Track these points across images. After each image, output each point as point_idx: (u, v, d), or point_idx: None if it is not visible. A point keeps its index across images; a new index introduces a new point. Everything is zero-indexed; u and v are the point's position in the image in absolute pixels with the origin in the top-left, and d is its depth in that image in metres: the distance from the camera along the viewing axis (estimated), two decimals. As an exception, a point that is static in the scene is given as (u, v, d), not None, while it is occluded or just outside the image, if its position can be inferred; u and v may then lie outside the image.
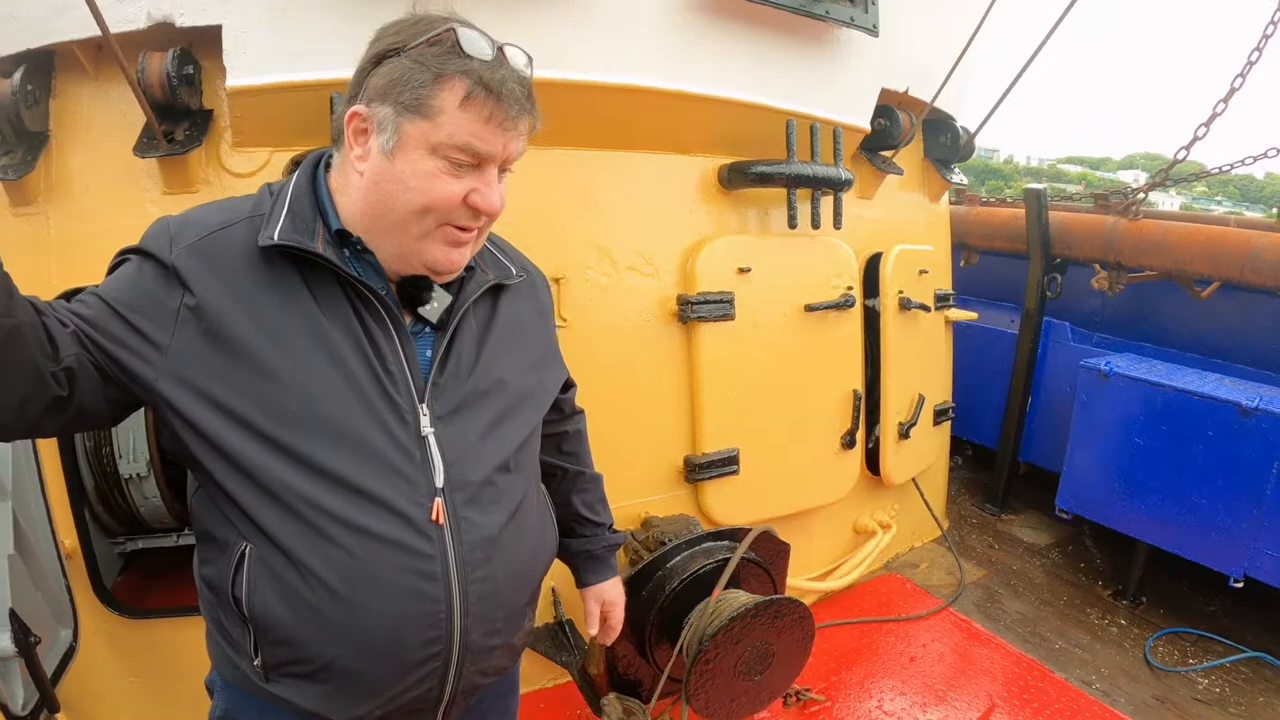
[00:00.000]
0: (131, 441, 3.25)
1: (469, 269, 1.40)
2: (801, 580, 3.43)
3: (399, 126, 1.21)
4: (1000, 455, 5.04)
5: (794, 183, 3.12)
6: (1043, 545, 4.60)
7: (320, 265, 1.26)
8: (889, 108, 3.63)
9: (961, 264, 5.60)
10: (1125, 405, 3.84)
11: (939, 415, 4.18)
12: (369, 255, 1.30)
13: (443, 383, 1.35)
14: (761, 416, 3.20)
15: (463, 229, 1.29)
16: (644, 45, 2.77)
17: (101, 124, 2.60)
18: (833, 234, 3.38)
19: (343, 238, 1.30)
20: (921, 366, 3.93)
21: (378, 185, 1.25)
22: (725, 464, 3.12)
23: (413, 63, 1.21)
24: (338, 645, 1.26)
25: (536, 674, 3.04)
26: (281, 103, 2.49)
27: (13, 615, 1.73)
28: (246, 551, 1.25)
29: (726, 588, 2.39)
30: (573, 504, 1.83)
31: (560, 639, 2.91)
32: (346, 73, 2.40)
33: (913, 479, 4.04)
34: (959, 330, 4.67)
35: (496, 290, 1.46)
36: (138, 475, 3.25)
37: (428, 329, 1.38)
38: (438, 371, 1.35)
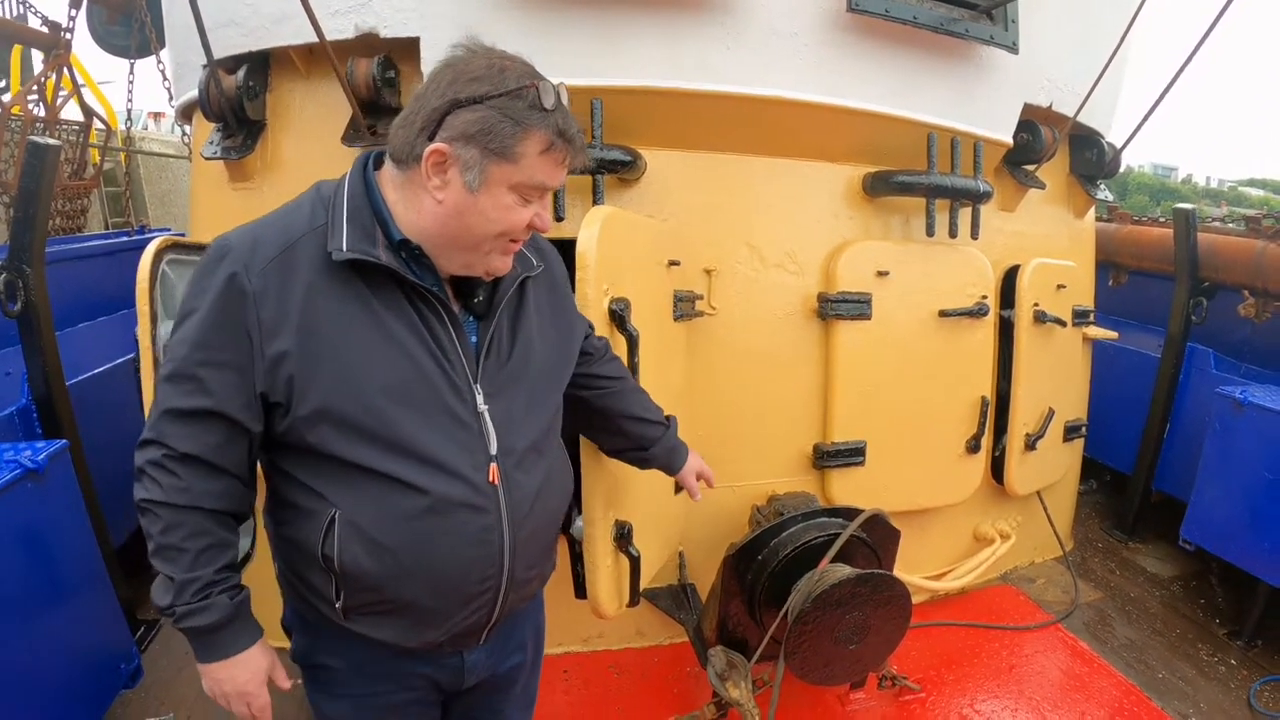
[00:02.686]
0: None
1: None
2: (915, 578, 3.52)
3: (485, 168, 1.38)
4: (1133, 482, 4.89)
5: (933, 193, 3.26)
6: (1166, 577, 4.45)
7: (381, 268, 1.43)
8: (1032, 122, 3.66)
9: (1110, 283, 5.47)
10: (1259, 437, 3.68)
11: (1070, 431, 4.14)
12: (425, 259, 1.48)
13: (489, 366, 1.55)
14: (890, 413, 3.34)
15: (515, 240, 1.50)
16: (793, 60, 2.97)
17: (311, 116, 3.02)
18: (970, 244, 3.47)
19: (403, 244, 1.46)
20: (1054, 380, 3.93)
21: (460, 215, 1.41)
22: (852, 454, 3.28)
23: (500, 115, 1.36)
24: (414, 588, 1.50)
25: (654, 631, 3.30)
26: (468, 104, 2.86)
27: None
28: (336, 517, 1.45)
29: (834, 562, 2.55)
30: (635, 410, 2.07)
31: (681, 599, 3.17)
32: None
33: (1038, 493, 4.03)
34: (1101, 350, 4.60)
35: (523, 281, 1.65)
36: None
37: (471, 318, 1.58)
38: (484, 357, 1.55)
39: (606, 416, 2.03)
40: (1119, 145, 4.16)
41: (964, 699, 3.07)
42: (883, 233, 3.39)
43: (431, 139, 1.39)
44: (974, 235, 3.42)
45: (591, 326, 2.04)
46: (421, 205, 1.45)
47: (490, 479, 1.53)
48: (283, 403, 1.43)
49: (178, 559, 1.43)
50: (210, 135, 3.21)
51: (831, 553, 2.53)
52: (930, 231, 3.28)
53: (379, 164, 1.54)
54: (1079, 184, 4.20)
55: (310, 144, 3.02)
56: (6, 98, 8.09)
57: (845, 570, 2.50)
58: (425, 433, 1.48)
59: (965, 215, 3.40)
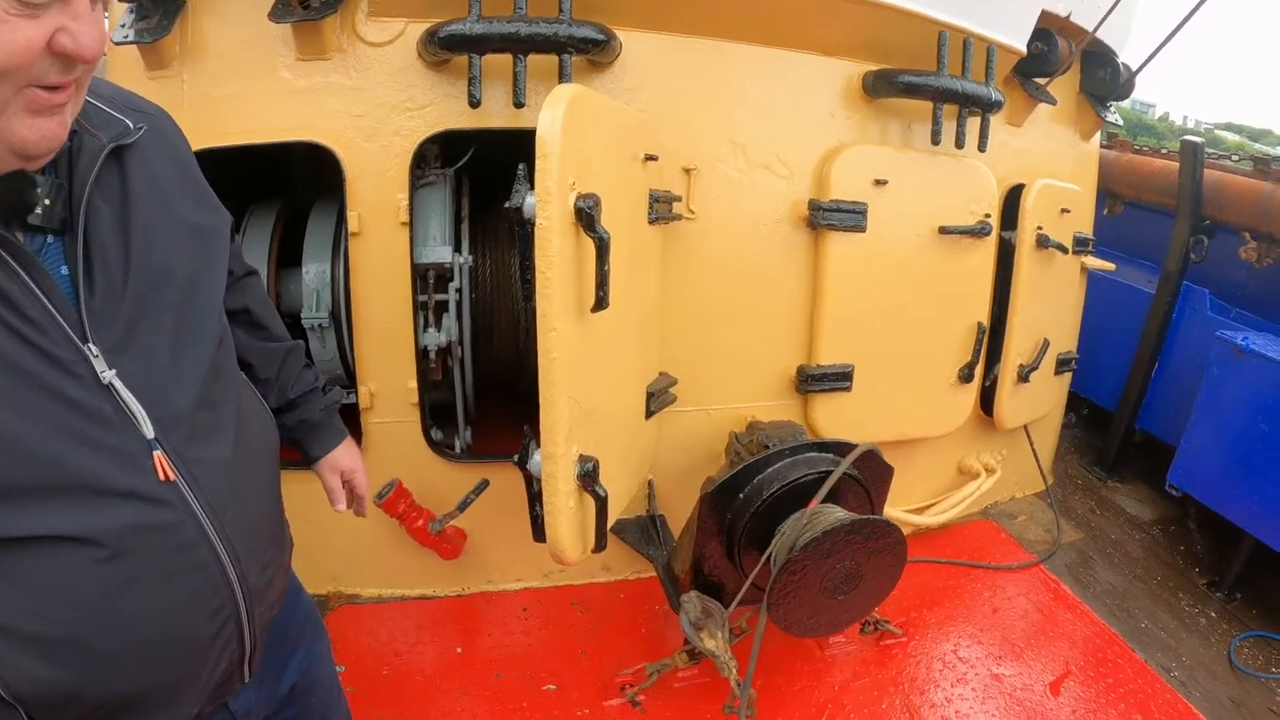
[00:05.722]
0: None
1: (71, 137, 1.05)
2: (897, 511, 3.37)
3: None
4: (1117, 419, 4.75)
5: (941, 97, 2.95)
6: (1146, 519, 4.35)
7: None
8: (1048, 31, 3.37)
9: (1105, 212, 5.21)
10: (1257, 386, 3.53)
11: (1061, 364, 3.97)
12: None
13: (98, 304, 1.05)
14: (881, 336, 3.12)
15: (53, 88, 0.94)
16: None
17: (235, -12, 2.60)
18: (976, 157, 3.20)
19: None
20: (1051, 310, 3.73)
21: None
22: (839, 379, 3.06)
23: None
24: (128, 673, 1.08)
25: (620, 565, 3.12)
26: (421, -28, 2.47)
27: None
28: None
29: (824, 502, 2.35)
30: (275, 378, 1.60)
31: (650, 533, 2.97)
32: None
33: (1025, 426, 3.87)
34: (1092, 281, 4.39)
35: (118, 154, 1.13)
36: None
37: (49, 239, 1.05)
38: (87, 292, 1.04)
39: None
40: (1134, 68, 3.86)
41: (947, 644, 2.94)
42: (880, 138, 3.09)
43: None
44: (982, 148, 3.15)
45: (234, 226, 1.44)
46: None
47: (162, 475, 1.08)
48: None
49: None
50: (122, 17, 2.77)
51: (822, 493, 2.32)
52: (936, 140, 2.98)
53: None
54: (1089, 104, 3.91)
55: (237, 24, 2.62)
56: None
57: (837, 514, 2.30)
58: (42, 452, 0.98)
59: (972, 125, 3.11)
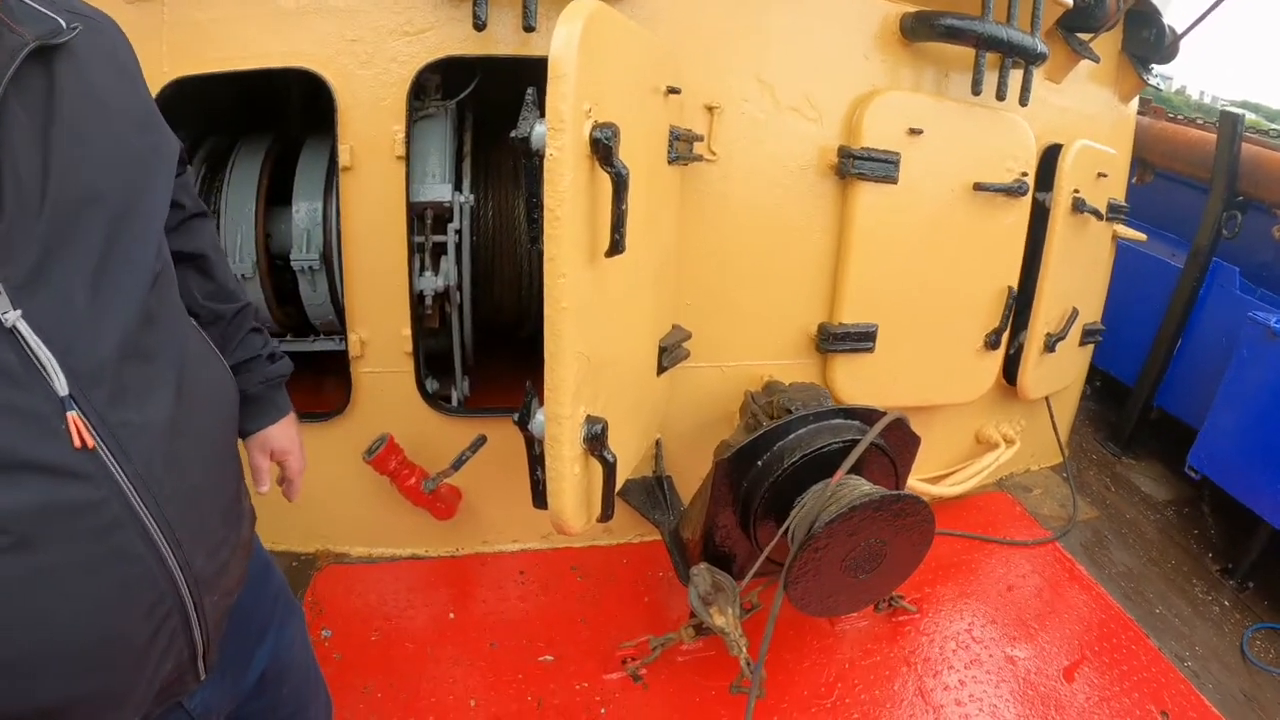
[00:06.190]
0: (239, 240, 2.94)
1: None
2: (912, 480, 3.19)
3: None
4: (1135, 395, 4.60)
5: (985, 44, 2.74)
6: (1160, 500, 4.23)
7: None
8: (1097, -16, 3.12)
9: (1134, 180, 5.02)
10: None
11: (1087, 335, 3.80)
12: None
13: (5, 229, 0.88)
14: (907, 295, 2.94)
15: None
16: None
17: (220, -96, 2.39)
18: (1015, 111, 2.99)
19: None
20: (1081, 278, 3.56)
21: None
22: (861, 339, 2.89)
23: None
24: (44, 684, 0.92)
25: (623, 527, 2.97)
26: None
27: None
28: None
29: (848, 473, 2.19)
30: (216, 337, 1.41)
31: (656, 495, 2.82)
32: None
33: (1046, 398, 3.72)
34: (1119, 250, 4.22)
35: (45, 56, 0.95)
36: (242, 276, 2.93)
37: None
38: None
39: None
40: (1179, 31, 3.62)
41: (961, 623, 2.82)
42: (914, 85, 2.88)
43: None
44: (1023, 102, 2.95)
45: (185, 152, 1.28)
46: None
47: (78, 442, 0.90)
48: None
49: None
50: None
51: (847, 464, 2.16)
52: (977, 89, 2.78)
53: None
54: (1131, 65, 3.68)
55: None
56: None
57: (863, 487, 2.14)
58: None
59: (1014, 78, 2.92)
